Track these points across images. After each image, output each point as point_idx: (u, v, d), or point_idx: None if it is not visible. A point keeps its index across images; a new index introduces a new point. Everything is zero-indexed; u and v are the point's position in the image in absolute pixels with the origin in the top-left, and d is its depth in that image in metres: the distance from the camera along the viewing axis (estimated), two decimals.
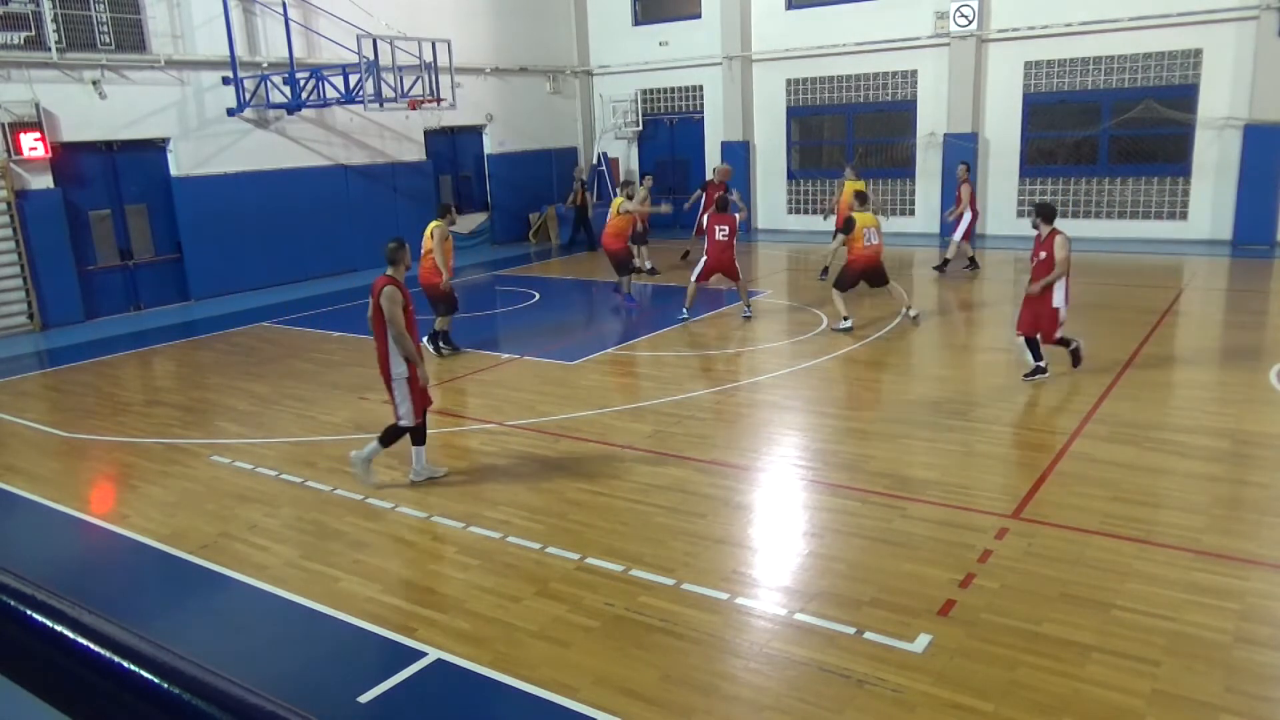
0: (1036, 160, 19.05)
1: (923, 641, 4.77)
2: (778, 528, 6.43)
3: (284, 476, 7.61)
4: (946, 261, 15.66)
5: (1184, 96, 17.21)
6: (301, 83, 16.19)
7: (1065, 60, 18.17)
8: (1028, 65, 18.55)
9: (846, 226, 11.86)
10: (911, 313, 12.07)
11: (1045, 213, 9.22)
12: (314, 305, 15.03)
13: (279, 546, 6.31)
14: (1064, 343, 9.37)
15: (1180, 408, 8.65)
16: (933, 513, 6.41)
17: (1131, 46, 17.44)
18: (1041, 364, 9.26)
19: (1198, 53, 16.95)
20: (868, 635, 4.86)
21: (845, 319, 11.68)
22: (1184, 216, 17.71)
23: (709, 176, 18.07)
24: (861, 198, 12.54)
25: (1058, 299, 9.11)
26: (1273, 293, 13.75)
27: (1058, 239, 9.03)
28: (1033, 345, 9.29)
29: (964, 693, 4.33)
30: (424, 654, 4.88)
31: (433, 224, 11.08)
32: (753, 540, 6.24)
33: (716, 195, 13.29)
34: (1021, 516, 6.24)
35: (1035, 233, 9.32)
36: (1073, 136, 18.67)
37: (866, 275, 11.90)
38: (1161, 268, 15.79)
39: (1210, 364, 10.22)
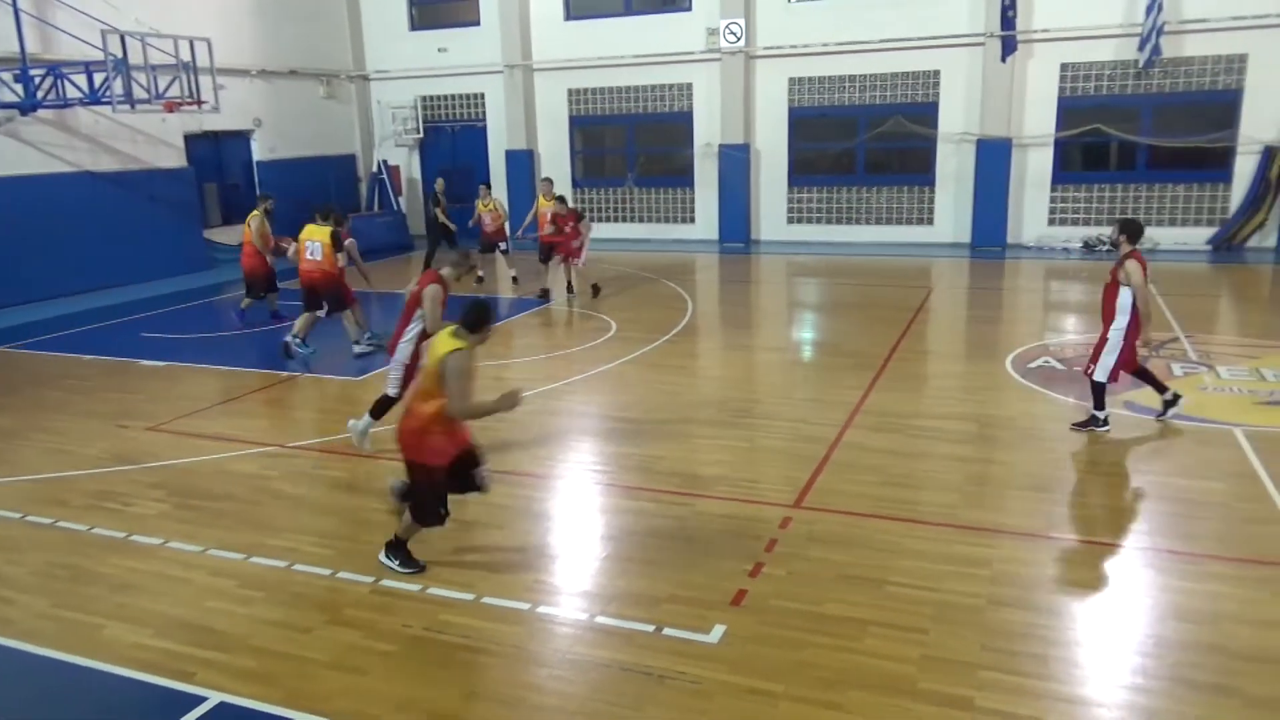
0: (802, 170, 20.35)
1: (718, 632, 4.97)
2: (576, 533, 6.49)
3: (30, 518, 6.83)
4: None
5: (927, 113, 18.96)
6: (37, 80, 14.63)
7: (825, 77, 19.53)
8: (791, 81, 19.78)
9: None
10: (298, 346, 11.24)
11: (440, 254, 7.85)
12: (62, 326, 13.60)
13: (25, 597, 5.66)
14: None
15: (933, 397, 9.51)
16: (722, 507, 6.70)
17: (882, 66, 19.01)
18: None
19: (936, 74, 18.74)
20: (666, 631, 5.00)
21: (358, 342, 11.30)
22: (930, 222, 19.52)
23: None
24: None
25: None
26: (1006, 290, 15.42)
27: (429, 288, 7.52)
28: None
29: (756, 677, 4.55)
30: (204, 699, 4.53)
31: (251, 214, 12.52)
32: (552, 548, 6.26)
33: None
34: (803, 505, 6.64)
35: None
36: (833, 148, 20.12)
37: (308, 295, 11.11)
38: (913, 269, 17.31)
39: (957, 356, 11.34)
